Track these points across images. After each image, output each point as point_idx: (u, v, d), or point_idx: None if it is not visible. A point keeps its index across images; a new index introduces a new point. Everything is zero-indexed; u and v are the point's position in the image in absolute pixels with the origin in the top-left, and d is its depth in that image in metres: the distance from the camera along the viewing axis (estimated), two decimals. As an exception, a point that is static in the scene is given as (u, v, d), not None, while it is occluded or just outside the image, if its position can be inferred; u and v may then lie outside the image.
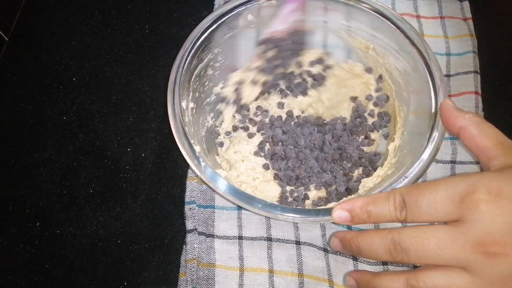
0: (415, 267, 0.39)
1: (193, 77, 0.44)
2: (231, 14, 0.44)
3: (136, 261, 0.44)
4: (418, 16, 0.55)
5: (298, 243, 0.43)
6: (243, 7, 0.45)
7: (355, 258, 0.42)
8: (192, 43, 0.43)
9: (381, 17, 0.44)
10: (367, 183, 0.43)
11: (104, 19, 0.57)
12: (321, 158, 0.47)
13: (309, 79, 0.51)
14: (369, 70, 0.49)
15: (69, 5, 0.58)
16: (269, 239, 0.43)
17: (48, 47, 0.56)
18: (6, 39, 0.56)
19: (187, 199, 0.45)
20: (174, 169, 0.48)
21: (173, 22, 0.57)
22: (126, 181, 0.48)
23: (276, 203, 0.38)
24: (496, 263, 0.28)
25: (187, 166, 0.47)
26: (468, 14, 0.55)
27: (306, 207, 0.44)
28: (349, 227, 0.43)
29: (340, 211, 0.33)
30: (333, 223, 0.42)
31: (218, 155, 0.49)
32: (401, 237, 0.30)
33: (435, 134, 0.38)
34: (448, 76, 0.51)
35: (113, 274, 0.43)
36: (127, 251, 0.44)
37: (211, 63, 0.46)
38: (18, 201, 0.47)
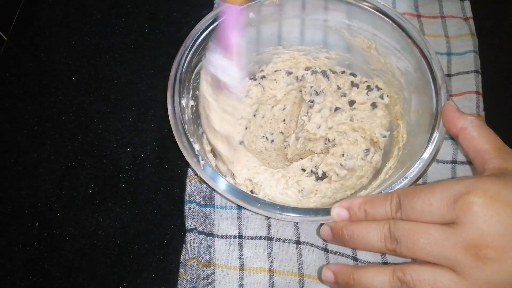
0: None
1: (193, 75, 0.44)
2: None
3: (136, 261, 0.44)
4: (418, 16, 0.55)
5: (298, 242, 0.42)
6: (245, 5, 0.45)
7: (355, 259, 0.42)
8: (193, 41, 0.43)
9: (383, 16, 0.44)
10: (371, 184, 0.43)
11: (103, 19, 0.57)
12: None
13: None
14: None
15: (68, 4, 0.58)
16: (269, 238, 0.43)
17: (47, 46, 0.56)
18: (5, 38, 0.56)
19: (187, 198, 0.44)
20: (174, 169, 0.48)
21: (172, 21, 0.57)
22: (125, 181, 0.47)
23: (276, 202, 0.38)
24: (486, 267, 0.28)
25: (187, 166, 0.47)
26: (469, 14, 0.54)
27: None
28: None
29: (339, 208, 0.34)
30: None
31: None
32: (396, 227, 0.31)
33: (436, 135, 0.38)
34: (449, 75, 0.51)
35: (113, 275, 0.43)
36: (127, 252, 0.44)
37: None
38: (17, 201, 0.47)
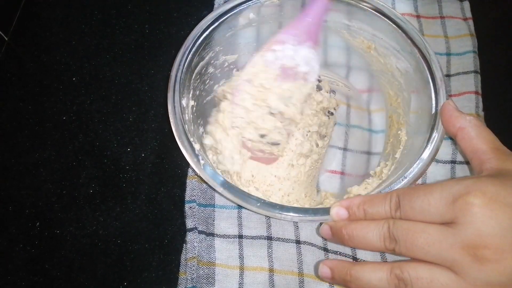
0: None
1: (194, 75, 0.44)
2: (232, 13, 0.45)
3: (136, 261, 0.44)
4: (418, 16, 0.55)
5: (298, 242, 0.42)
6: (245, 5, 0.45)
7: (355, 258, 0.42)
8: (193, 41, 0.43)
9: (382, 16, 0.44)
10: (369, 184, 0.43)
11: (104, 19, 0.57)
12: None
13: None
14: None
15: (69, 5, 0.58)
16: (269, 238, 0.43)
17: (48, 47, 0.56)
18: (6, 39, 0.56)
19: (187, 198, 0.45)
20: (174, 169, 0.48)
21: (173, 22, 0.57)
22: (126, 181, 0.48)
23: (276, 202, 0.38)
24: (484, 268, 0.28)
25: (187, 165, 0.47)
26: (469, 14, 0.54)
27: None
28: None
29: (338, 208, 0.34)
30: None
31: None
32: (395, 226, 0.31)
33: (435, 135, 0.38)
34: (448, 76, 0.51)
35: (113, 274, 0.43)
36: (127, 251, 0.44)
37: (212, 61, 0.46)
38: (18, 201, 0.47)
